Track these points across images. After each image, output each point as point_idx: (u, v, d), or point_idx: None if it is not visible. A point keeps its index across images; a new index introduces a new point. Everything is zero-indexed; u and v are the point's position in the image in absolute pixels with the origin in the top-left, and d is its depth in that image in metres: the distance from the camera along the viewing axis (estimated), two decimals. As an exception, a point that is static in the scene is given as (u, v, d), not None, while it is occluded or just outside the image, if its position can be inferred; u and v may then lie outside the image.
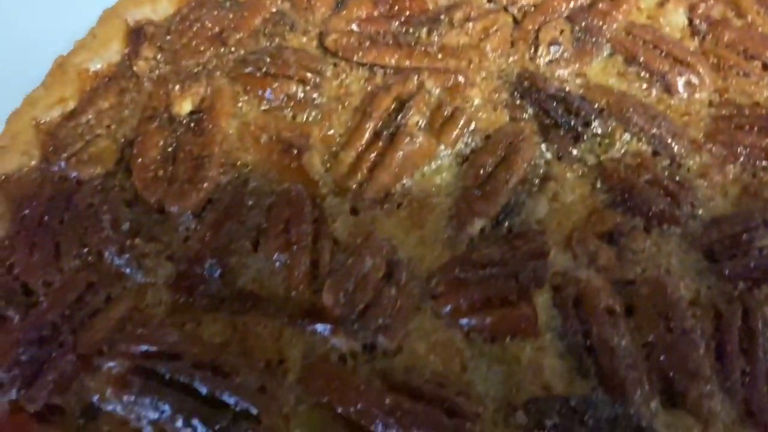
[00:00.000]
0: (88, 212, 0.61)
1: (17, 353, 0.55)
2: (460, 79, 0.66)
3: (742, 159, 0.65)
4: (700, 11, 0.71)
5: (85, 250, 0.59)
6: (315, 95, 0.67)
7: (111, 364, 0.55)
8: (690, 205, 0.62)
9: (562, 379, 0.56)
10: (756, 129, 0.66)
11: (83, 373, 0.55)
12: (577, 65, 0.68)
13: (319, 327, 0.56)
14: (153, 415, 0.52)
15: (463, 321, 0.57)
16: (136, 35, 0.71)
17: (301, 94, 0.67)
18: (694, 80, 0.66)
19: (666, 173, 0.64)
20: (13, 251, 0.61)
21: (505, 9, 0.72)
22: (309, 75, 0.67)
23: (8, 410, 0.56)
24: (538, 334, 0.57)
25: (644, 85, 0.68)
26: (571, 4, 0.72)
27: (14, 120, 0.68)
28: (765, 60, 0.68)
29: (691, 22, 0.71)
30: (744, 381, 0.57)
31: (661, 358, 0.56)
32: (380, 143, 0.63)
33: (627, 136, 0.64)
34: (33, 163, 0.65)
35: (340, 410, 0.54)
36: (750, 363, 0.57)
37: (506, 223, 0.62)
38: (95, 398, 0.55)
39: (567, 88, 0.66)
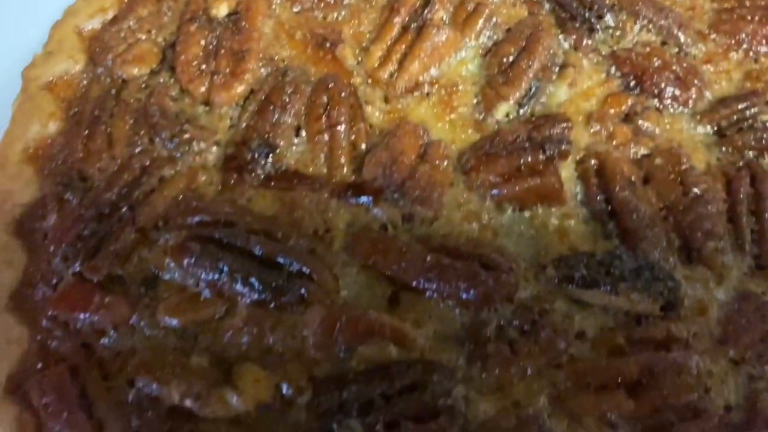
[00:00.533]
0: (136, 105, 0.65)
1: (80, 229, 0.59)
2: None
3: (744, 46, 0.69)
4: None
5: (137, 138, 0.63)
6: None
7: (168, 236, 0.59)
8: (697, 88, 0.67)
9: (587, 241, 0.60)
10: (757, 18, 0.70)
11: (142, 246, 0.60)
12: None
13: (362, 199, 0.60)
14: (211, 276, 0.56)
15: (494, 191, 0.61)
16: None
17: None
18: (698, -27, 0.71)
19: (675, 60, 0.69)
20: (68, 144, 0.65)
21: None
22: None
23: (73, 281, 0.59)
24: (564, 202, 0.61)
25: None
26: None
27: (57, 29, 0.71)
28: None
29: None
30: (753, 239, 0.63)
31: (678, 218, 0.61)
32: (408, 36, 0.67)
33: (637, 28, 0.69)
34: (79, 66, 0.69)
35: (384, 271, 0.59)
36: (759, 223, 0.62)
37: (529, 108, 0.66)
38: (154, 268, 0.59)
39: (581, -15, 0.71)
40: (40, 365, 0.56)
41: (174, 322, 0.57)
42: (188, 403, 0.52)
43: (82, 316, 0.58)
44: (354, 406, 0.52)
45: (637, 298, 0.57)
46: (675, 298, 0.57)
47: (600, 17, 0.68)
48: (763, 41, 0.69)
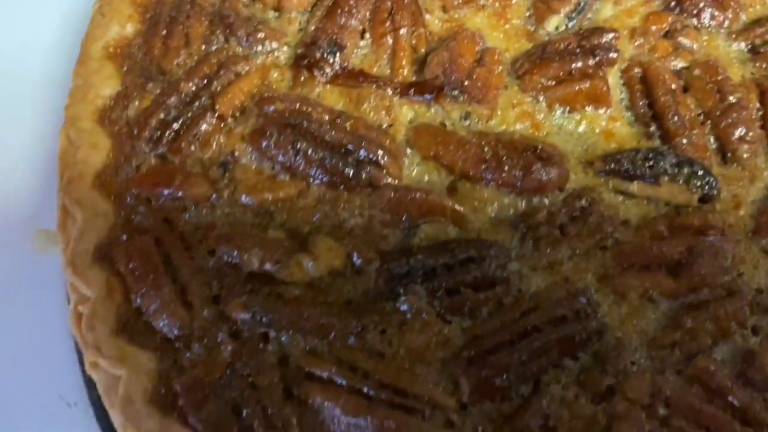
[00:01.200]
0: (211, 9, 0.69)
1: (162, 115, 0.63)
2: None
3: None
4: None
5: (213, 38, 0.67)
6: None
7: (245, 123, 0.63)
8: (734, 9, 0.71)
9: (631, 141, 0.65)
10: None
11: (220, 132, 0.64)
12: None
13: (425, 96, 0.65)
14: (286, 158, 0.60)
15: (547, 95, 0.66)
16: None
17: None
18: None
19: None
20: (146, 43, 0.69)
21: None
22: None
23: (156, 163, 0.64)
24: (610, 104, 0.66)
25: None
26: None
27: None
28: None
29: None
30: None
31: (715, 122, 0.65)
32: None
33: None
34: (154, -26, 0.73)
35: (444, 162, 0.63)
36: None
37: (577, 22, 0.70)
38: (231, 153, 0.63)
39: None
40: (124, 237, 0.61)
41: (251, 200, 0.62)
42: (267, 267, 0.57)
43: (165, 192, 0.62)
44: (419, 273, 0.57)
45: (677, 190, 0.61)
46: (712, 191, 0.61)
47: None
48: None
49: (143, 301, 0.57)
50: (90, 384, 0.63)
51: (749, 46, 0.70)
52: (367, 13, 0.68)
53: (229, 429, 0.53)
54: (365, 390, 0.53)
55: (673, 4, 0.71)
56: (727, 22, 0.71)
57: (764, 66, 0.68)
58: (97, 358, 0.57)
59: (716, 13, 0.70)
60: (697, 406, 0.55)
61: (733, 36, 0.70)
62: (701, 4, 0.70)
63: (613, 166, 0.62)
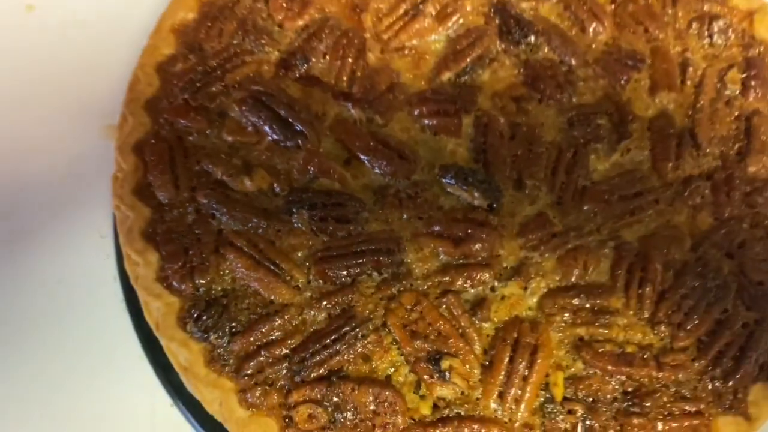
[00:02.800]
0: (241, 16, 1.05)
1: (192, 75, 1.01)
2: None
3: (611, 79, 1.07)
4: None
5: (236, 36, 1.04)
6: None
7: (237, 93, 1.02)
8: (568, 94, 1.05)
9: (464, 160, 1.00)
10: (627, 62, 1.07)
11: (223, 95, 1.03)
12: (534, 3, 1.10)
13: (348, 104, 1.02)
14: (253, 119, 0.99)
15: (423, 120, 1.02)
16: None
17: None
18: (599, 28, 1.07)
19: (563, 74, 1.06)
20: (196, 28, 1.07)
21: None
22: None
23: (182, 102, 1.03)
24: (460, 136, 1.01)
25: (569, 24, 1.09)
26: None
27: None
28: (647, 27, 1.08)
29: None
30: (561, 185, 1.02)
31: (519, 163, 1.01)
32: (406, 18, 1.06)
33: (546, 49, 1.06)
34: (214, -17, 1.12)
35: (346, 144, 1.01)
36: (567, 177, 1.01)
37: (463, 78, 1.06)
38: (226, 108, 1.02)
39: (523, 14, 1.09)
40: (152, 141, 1.01)
41: (229, 138, 1.00)
42: (224, 178, 0.95)
43: (181, 121, 1.01)
44: (307, 204, 0.94)
45: (475, 196, 0.97)
46: (496, 202, 0.97)
47: (526, 36, 1.06)
48: (625, 77, 1.07)
49: (153, 178, 0.96)
50: (114, 224, 1.04)
51: (569, 120, 1.02)
52: (332, 42, 1.05)
53: (178, 258, 0.92)
54: (257, 257, 0.92)
55: (530, 81, 1.02)
56: (560, 100, 1.05)
57: (569, 137, 1.00)
58: (120, 204, 0.98)
59: (555, 93, 1.02)
60: (439, 317, 0.91)
61: (561, 111, 1.03)
62: (547, 84, 1.03)
63: (444, 172, 0.98)
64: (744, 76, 1.04)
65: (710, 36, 1.06)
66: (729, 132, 1.01)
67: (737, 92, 1.03)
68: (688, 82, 1.04)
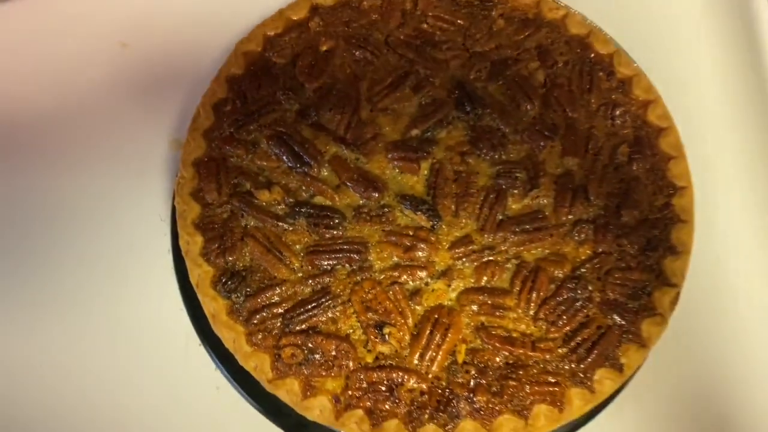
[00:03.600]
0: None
1: (237, 116, 1.44)
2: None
3: (533, 144, 1.46)
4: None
5: (273, 88, 1.48)
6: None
7: (267, 131, 1.44)
8: (500, 152, 1.44)
9: (420, 194, 1.38)
10: (546, 133, 1.46)
11: (256, 132, 1.45)
12: (485, 84, 1.50)
13: (343, 146, 1.42)
14: (277, 151, 1.41)
15: (394, 162, 1.40)
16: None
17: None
18: (530, 107, 1.47)
19: (498, 137, 1.46)
20: (245, 82, 1.50)
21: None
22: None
23: (229, 134, 1.45)
24: (418, 175, 1.40)
25: (509, 101, 1.49)
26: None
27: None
28: (566, 108, 1.47)
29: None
30: (484, 218, 1.41)
31: (459, 200, 1.40)
32: (391, 88, 1.47)
33: (488, 118, 1.44)
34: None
35: (338, 174, 1.42)
36: (489, 212, 1.40)
37: (426, 134, 1.45)
38: (258, 143, 1.45)
39: (476, 91, 1.49)
40: (206, 159, 1.43)
41: (258, 162, 1.40)
42: (252, 190, 1.37)
43: (227, 147, 1.43)
44: (306, 212, 1.36)
45: (423, 218, 1.36)
46: (438, 225, 1.36)
47: (475, 108, 1.45)
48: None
49: (203, 186, 1.37)
50: (173, 213, 1.47)
51: (496, 173, 1.44)
52: (335, 101, 1.46)
53: (216, 242, 1.34)
54: (268, 246, 1.32)
55: (473, 141, 1.47)
56: (493, 155, 1.45)
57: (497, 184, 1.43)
58: (180, 200, 1.40)
59: (492, 150, 1.45)
60: (386, 299, 1.31)
61: (493, 163, 1.45)
62: (485, 150, 1.45)
63: (404, 199, 1.38)
64: (631, 150, 1.42)
65: (612, 118, 1.45)
66: (612, 190, 1.39)
67: (624, 162, 1.42)
68: (590, 151, 1.42)
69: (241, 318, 1.28)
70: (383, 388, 1.23)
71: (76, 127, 1.56)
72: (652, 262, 1.34)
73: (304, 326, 1.26)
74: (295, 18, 1.52)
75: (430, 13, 1.52)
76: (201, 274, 1.30)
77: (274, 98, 1.42)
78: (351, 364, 1.24)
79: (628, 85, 1.47)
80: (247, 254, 1.31)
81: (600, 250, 1.34)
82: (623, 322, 1.28)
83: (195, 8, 1.67)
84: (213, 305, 1.28)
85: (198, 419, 1.37)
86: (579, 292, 1.30)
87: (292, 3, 1.54)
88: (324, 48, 1.47)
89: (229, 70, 1.45)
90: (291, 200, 1.35)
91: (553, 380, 1.24)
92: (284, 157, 1.37)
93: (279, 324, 1.27)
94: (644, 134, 1.44)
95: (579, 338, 1.27)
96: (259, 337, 1.26)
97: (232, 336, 1.27)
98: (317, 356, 1.25)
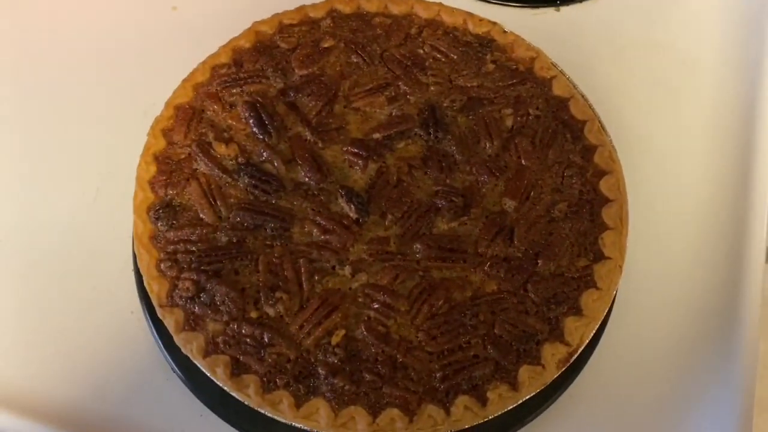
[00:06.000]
0: (273, 55, 1.62)
1: (224, 79, 1.58)
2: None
3: (479, 177, 1.50)
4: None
5: (268, 65, 1.61)
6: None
7: (246, 97, 1.56)
8: (445, 176, 1.48)
9: (359, 188, 1.44)
10: (495, 171, 1.49)
11: (237, 96, 1.57)
12: (455, 114, 1.56)
13: (307, 128, 1.52)
14: (247, 115, 1.51)
15: (347, 155, 1.47)
16: None
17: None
18: (488, 145, 1.51)
19: (449, 163, 1.50)
20: (245, 55, 1.64)
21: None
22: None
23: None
24: (364, 173, 1.47)
25: (471, 134, 1.54)
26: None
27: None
28: (521, 156, 1.50)
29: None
30: (408, 226, 1.44)
31: (390, 203, 1.45)
32: (369, 92, 1.56)
33: (446, 144, 1.51)
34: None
35: (294, 151, 1.50)
36: (415, 223, 1.43)
37: (385, 141, 1.51)
38: (237, 104, 1.56)
39: (444, 118, 1.55)
40: (186, 106, 1.56)
41: (229, 121, 1.52)
42: (212, 141, 1.48)
43: (209, 102, 1.56)
44: (250, 173, 1.44)
45: (352, 209, 1.40)
46: (364, 219, 1.39)
47: (437, 132, 1.51)
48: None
49: (175, 126, 1.49)
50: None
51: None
52: (315, 89, 1.56)
53: (164, 175, 1.45)
54: (206, 192, 1.42)
55: (425, 159, 1.51)
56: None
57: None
58: (152, 132, 1.53)
59: (438, 174, 1.50)
60: (291, 268, 1.36)
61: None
62: (433, 169, 1.50)
63: (342, 189, 1.43)
64: (569, 210, 1.43)
65: (563, 176, 1.47)
66: (538, 239, 1.40)
67: (560, 218, 1.43)
68: (530, 199, 1.44)
69: (158, 245, 1.36)
70: (254, 344, 1.27)
71: (123, 85, 1.67)
72: (552, 316, 1.33)
73: (208, 268, 1.33)
74: (312, 15, 1.64)
75: (430, 42, 1.61)
76: (143, 198, 1.41)
77: (264, 73, 1.54)
78: (234, 312, 1.29)
79: (590, 153, 1.49)
80: (187, 194, 1.41)
81: (505, 288, 1.35)
82: (499, 359, 1.27)
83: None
84: (141, 227, 1.38)
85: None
86: (468, 318, 1.31)
87: (316, 3, 1.67)
88: (325, 45, 1.58)
89: (238, 41, 1.58)
90: (242, 160, 1.44)
91: (412, 389, 1.25)
92: (251, 122, 1.47)
93: (188, 260, 1.34)
94: (589, 200, 1.44)
95: (451, 358, 1.27)
96: (168, 264, 1.34)
97: (146, 258, 1.35)
98: (206, 296, 1.31)
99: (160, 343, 1.42)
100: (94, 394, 1.42)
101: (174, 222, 1.38)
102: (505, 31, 1.64)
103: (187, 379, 1.39)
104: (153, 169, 1.43)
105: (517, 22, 1.69)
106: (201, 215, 1.39)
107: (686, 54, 1.82)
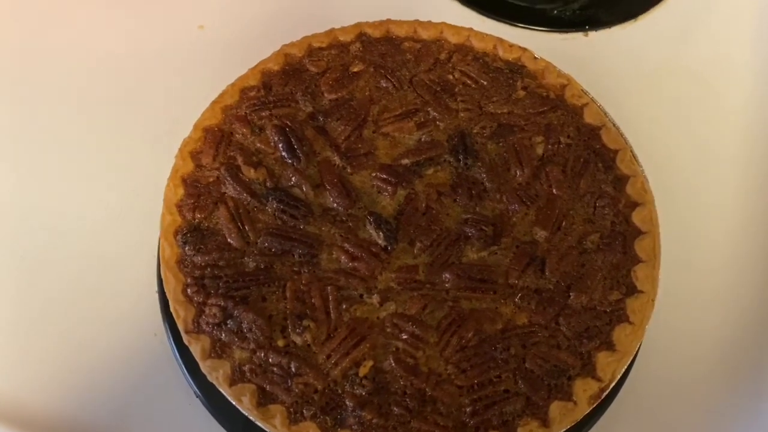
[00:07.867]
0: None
1: (254, 102, 1.55)
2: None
3: (510, 206, 1.46)
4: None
5: (298, 89, 1.58)
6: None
7: (276, 121, 1.53)
8: (474, 204, 1.45)
9: (387, 215, 1.41)
10: (525, 200, 1.46)
11: (266, 120, 1.54)
12: (485, 141, 1.53)
13: (336, 153, 1.49)
14: (276, 139, 1.48)
15: (375, 181, 1.44)
16: None
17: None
18: (519, 173, 1.48)
19: (479, 191, 1.47)
20: (274, 78, 1.62)
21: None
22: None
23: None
24: (393, 199, 1.44)
25: (502, 162, 1.50)
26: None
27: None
28: (552, 185, 1.47)
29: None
30: (437, 255, 1.41)
31: (419, 230, 1.41)
32: (399, 118, 1.53)
33: (476, 171, 1.47)
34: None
35: (322, 176, 1.47)
36: (444, 252, 1.40)
37: (414, 167, 1.47)
38: (266, 128, 1.54)
39: (474, 145, 1.51)
40: (216, 128, 1.54)
41: (258, 144, 1.48)
42: (241, 165, 1.45)
43: (238, 125, 1.53)
44: (279, 198, 1.41)
45: (381, 237, 1.37)
46: (392, 247, 1.36)
47: (467, 159, 1.48)
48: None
49: (203, 149, 1.47)
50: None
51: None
52: (344, 114, 1.54)
53: (193, 198, 1.42)
54: (235, 216, 1.39)
55: (454, 186, 1.48)
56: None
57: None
58: (180, 154, 1.50)
59: (467, 201, 1.46)
60: (319, 296, 1.33)
61: (466, 208, 1.46)
62: (462, 197, 1.46)
63: (371, 215, 1.40)
64: (601, 241, 1.39)
65: (595, 207, 1.43)
66: (570, 271, 1.36)
67: (592, 250, 1.39)
68: (562, 230, 1.40)
69: (185, 269, 1.33)
70: (281, 373, 1.24)
71: (154, 104, 1.65)
72: (584, 351, 1.29)
73: (236, 294, 1.30)
74: (341, 39, 1.62)
75: (460, 68, 1.58)
76: (170, 221, 1.38)
77: (293, 97, 1.51)
78: (261, 340, 1.26)
79: (622, 183, 1.45)
80: (215, 218, 1.38)
81: (536, 321, 1.31)
82: (530, 394, 1.23)
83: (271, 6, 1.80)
84: (168, 251, 1.35)
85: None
86: (499, 352, 1.27)
87: (345, 27, 1.64)
88: (354, 69, 1.56)
89: (267, 64, 1.56)
90: (271, 184, 1.41)
91: (441, 423, 1.21)
92: (280, 146, 1.44)
93: (215, 285, 1.31)
94: (622, 231, 1.41)
95: (481, 393, 1.23)
96: (195, 290, 1.31)
97: (173, 282, 1.32)
98: (233, 323, 1.28)
99: (183, 367, 1.39)
100: (114, 414, 1.40)
101: (201, 246, 1.35)
102: (536, 58, 1.61)
103: (211, 404, 1.36)
104: (181, 191, 1.40)
105: (545, 46, 1.66)
106: (229, 240, 1.36)
107: (717, 81, 1.78)
